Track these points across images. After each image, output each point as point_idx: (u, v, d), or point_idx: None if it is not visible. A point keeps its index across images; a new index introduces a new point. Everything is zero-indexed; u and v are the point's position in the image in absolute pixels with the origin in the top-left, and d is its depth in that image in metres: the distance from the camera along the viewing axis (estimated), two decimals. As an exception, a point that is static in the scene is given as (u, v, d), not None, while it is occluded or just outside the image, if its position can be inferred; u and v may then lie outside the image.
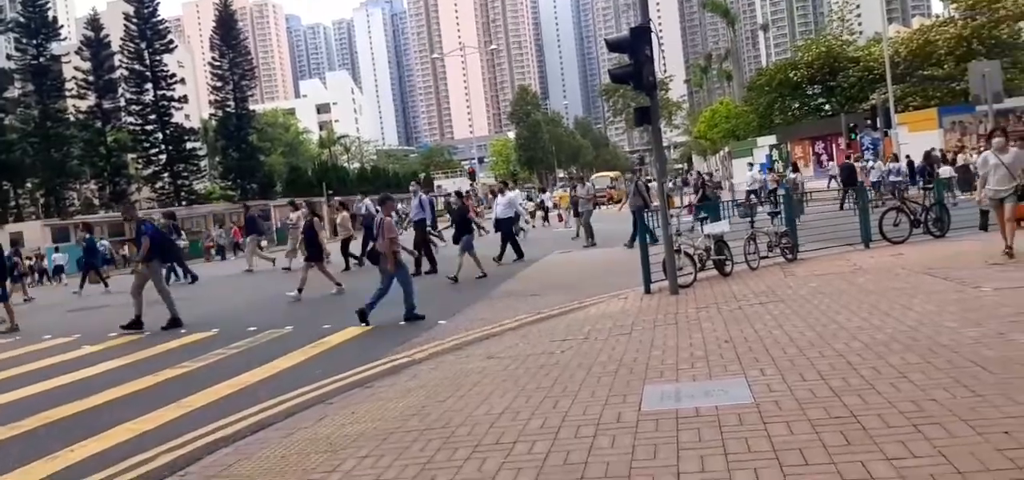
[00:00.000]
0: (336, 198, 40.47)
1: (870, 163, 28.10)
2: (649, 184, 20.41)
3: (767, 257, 12.23)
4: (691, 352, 6.58)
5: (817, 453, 3.87)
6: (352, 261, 19.33)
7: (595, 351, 7.03)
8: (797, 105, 53.36)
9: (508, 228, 18.43)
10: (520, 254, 17.90)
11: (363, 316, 10.45)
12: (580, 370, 6.33)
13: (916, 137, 33.85)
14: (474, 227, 18.94)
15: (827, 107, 50.82)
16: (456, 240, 16.10)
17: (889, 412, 4.36)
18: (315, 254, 15.27)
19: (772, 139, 49.77)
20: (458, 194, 27.71)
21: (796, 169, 30.70)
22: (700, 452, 4.08)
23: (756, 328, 7.24)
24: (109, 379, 8.39)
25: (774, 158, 46.84)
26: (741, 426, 4.44)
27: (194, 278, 20.47)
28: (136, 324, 11.95)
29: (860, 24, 59.85)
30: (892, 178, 23.88)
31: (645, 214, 17.51)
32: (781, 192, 21.35)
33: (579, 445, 4.44)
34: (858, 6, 62.18)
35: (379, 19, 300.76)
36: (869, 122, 34.42)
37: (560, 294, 11.63)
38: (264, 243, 27.67)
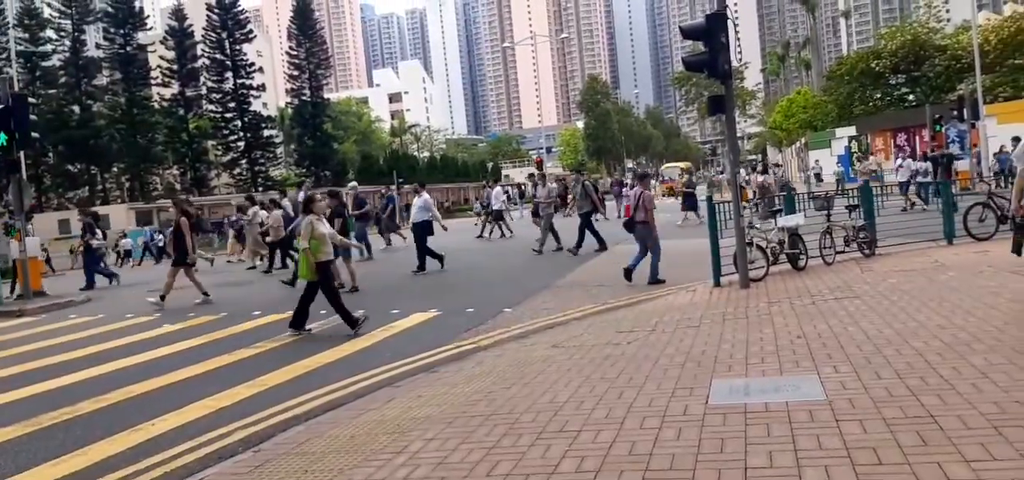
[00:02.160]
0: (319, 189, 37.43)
1: (899, 162, 26.60)
2: (598, 185, 19.93)
3: (843, 252, 11.87)
4: (761, 347, 6.44)
5: (891, 453, 3.75)
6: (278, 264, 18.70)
7: (662, 343, 6.96)
8: (879, 95, 51.58)
9: (423, 233, 16.34)
10: (422, 267, 15.90)
11: (627, 274, 11.65)
12: (646, 362, 6.27)
13: (1006, 128, 32.29)
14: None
15: (911, 97, 48.98)
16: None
17: (969, 413, 4.18)
18: (181, 257, 14.08)
19: (851, 130, 48.22)
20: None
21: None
22: (768, 448, 4.00)
23: (830, 324, 7.05)
24: (188, 357, 8.74)
25: (853, 150, 45.37)
26: (812, 423, 4.33)
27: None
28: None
29: (948, 11, 57.32)
30: (919, 178, 22.41)
31: (594, 219, 17.24)
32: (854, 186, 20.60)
33: (644, 436, 4.41)
34: (946, -9, 59.62)
35: (451, 8, 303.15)
36: (955, 113, 32.98)
37: (626, 285, 11.54)
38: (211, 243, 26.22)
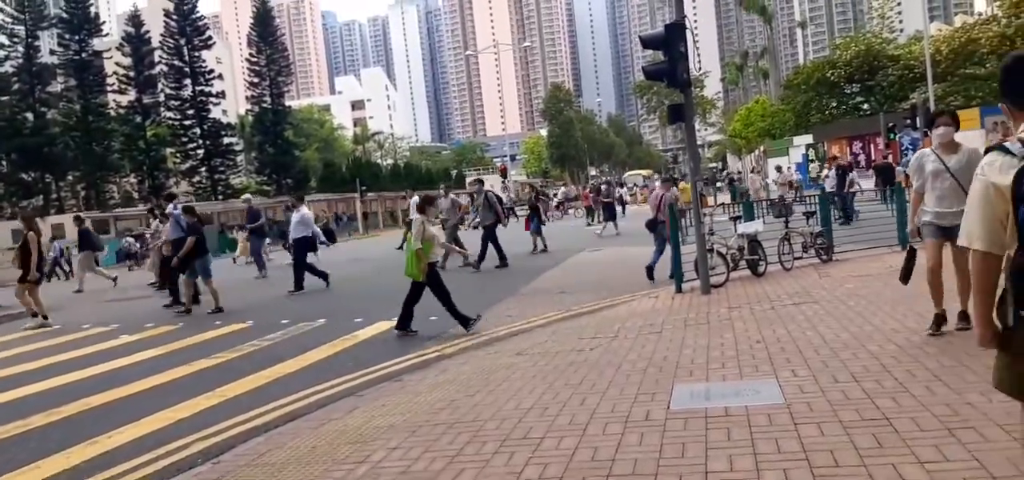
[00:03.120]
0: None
1: (827, 172, 26.65)
2: (500, 197, 19.38)
3: (801, 258, 12.09)
4: (722, 352, 6.53)
5: (848, 455, 3.83)
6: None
7: (624, 349, 7.01)
8: (835, 104, 52.62)
9: (302, 250, 15.57)
10: (300, 286, 15.14)
11: (650, 272, 11.88)
12: (609, 368, 6.32)
13: (957, 137, 33.13)
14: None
15: (866, 106, 50.05)
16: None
17: (922, 415, 4.29)
18: (25, 275, 13.52)
19: (809, 138, 49.13)
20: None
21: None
22: (729, 452, 4.05)
23: (789, 329, 7.17)
24: (147, 368, 8.57)
25: (811, 158, 46.21)
26: (771, 426, 4.40)
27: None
28: None
29: (901, 22, 58.87)
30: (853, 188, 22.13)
31: (498, 230, 16.86)
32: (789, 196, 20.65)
33: (607, 442, 4.44)
34: (899, 3, 61.15)
35: (414, 16, 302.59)
36: (908, 122, 33.79)
37: (590, 292, 11.61)
38: (99, 258, 24.53)
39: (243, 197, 23.75)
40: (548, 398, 5.56)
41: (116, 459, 5.31)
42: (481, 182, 20.63)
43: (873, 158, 37.40)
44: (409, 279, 9.35)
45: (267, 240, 21.24)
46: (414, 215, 9.78)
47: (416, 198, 17.40)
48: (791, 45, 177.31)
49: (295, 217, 16.16)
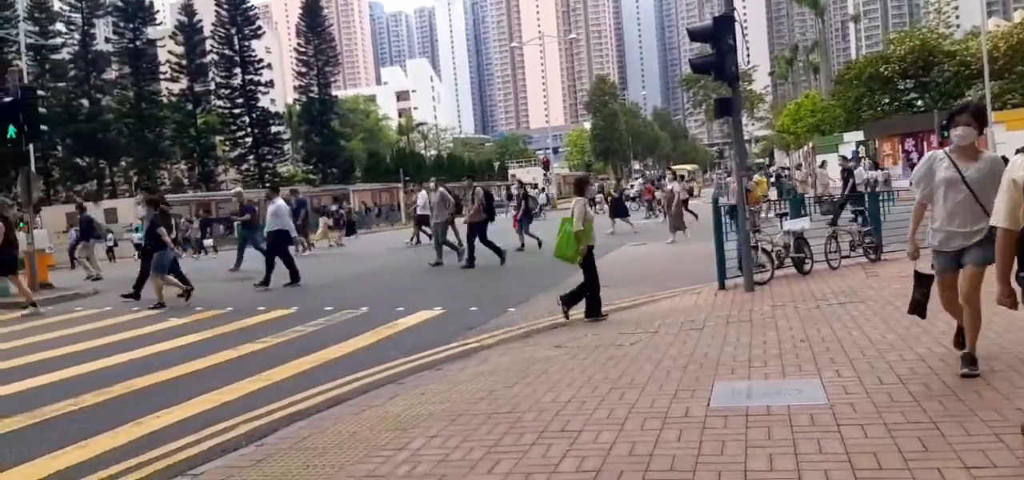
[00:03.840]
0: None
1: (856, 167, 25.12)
2: (491, 193, 18.42)
3: (849, 257, 11.85)
4: (764, 350, 6.45)
5: (892, 458, 3.75)
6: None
7: (665, 345, 6.97)
8: (887, 100, 51.38)
9: (277, 244, 14.98)
10: (266, 281, 14.52)
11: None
12: (649, 363, 6.28)
13: (1013, 135, 32.12)
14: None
15: (920, 103, 48.78)
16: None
17: (970, 420, 4.18)
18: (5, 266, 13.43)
19: (859, 135, 48.08)
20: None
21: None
22: (769, 451, 4.00)
23: (834, 328, 7.04)
24: (193, 351, 8.77)
25: (860, 154, 45.25)
26: (813, 427, 4.34)
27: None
28: None
29: (957, 17, 57.23)
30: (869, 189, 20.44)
31: (488, 229, 16.42)
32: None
33: (645, 437, 4.42)
34: (956, -3, 59.39)
35: (460, 7, 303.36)
36: (964, 119, 32.84)
37: (631, 287, 11.54)
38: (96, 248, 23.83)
39: (234, 190, 23.48)
40: (586, 392, 5.55)
41: (162, 439, 5.44)
42: (471, 178, 20.34)
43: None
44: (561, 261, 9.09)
45: (259, 233, 21.20)
46: (574, 198, 9.51)
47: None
48: (843, 39, 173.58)
49: (270, 209, 15.50)
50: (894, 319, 7.23)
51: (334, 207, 31.95)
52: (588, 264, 8.94)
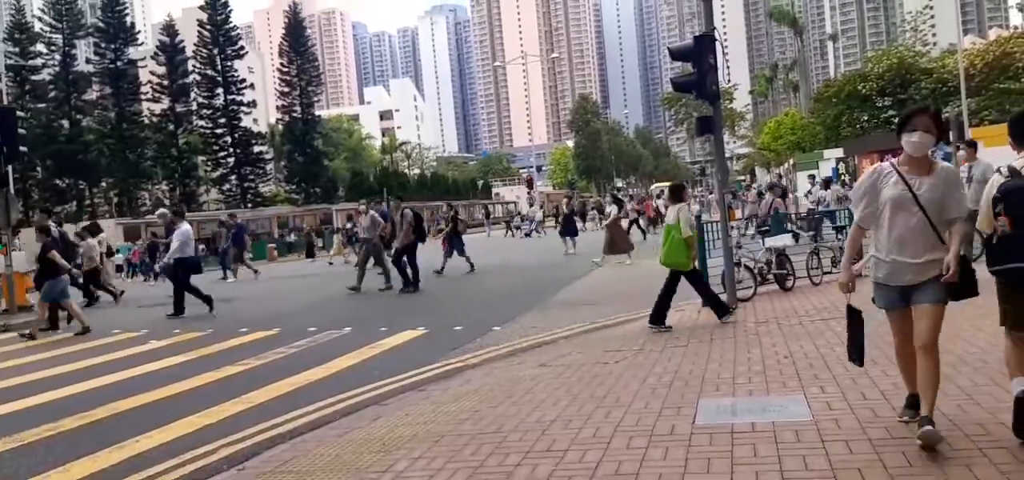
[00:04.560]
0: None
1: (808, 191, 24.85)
2: (421, 215, 17.62)
3: (831, 272, 11.91)
4: (748, 367, 6.46)
5: (877, 473, 3.76)
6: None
7: (650, 363, 6.97)
8: (866, 118, 52.01)
9: (183, 272, 14.48)
10: (180, 310, 14.16)
11: None
12: (634, 381, 6.28)
13: (990, 152, 32.53)
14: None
15: (898, 120, 49.45)
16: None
17: (954, 434, 4.20)
18: None
19: (839, 152, 48.60)
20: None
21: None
22: (755, 467, 4.00)
23: (817, 344, 7.08)
24: (175, 373, 8.67)
25: (840, 171, 45.69)
26: (798, 443, 4.34)
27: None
28: None
29: (934, 35, 58.06)
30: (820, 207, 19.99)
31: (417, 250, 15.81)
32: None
33: (631, 456, 4.41)
34: (932, 16, 60.36)
35: (443, 28, 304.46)
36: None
37: (615, 305, 11.56)
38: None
39: (159, 211, 22.98)
40: (572, 411, 5.53)
41: (144, 463, 5.36)
42: (401, 198, 19.49)
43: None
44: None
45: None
46: (669, 206, 9.40)
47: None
48: (822, 58, 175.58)
49: (176, 234, 14.73)
50: (877, 335, 7.22)
51: (349, 225, 33.27)
52: (694, 270, 9.19)
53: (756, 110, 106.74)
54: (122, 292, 19.44)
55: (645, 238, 26.52)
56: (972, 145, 11.11)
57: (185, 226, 14.92)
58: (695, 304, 10.41)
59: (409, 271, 15.86)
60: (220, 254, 25.13)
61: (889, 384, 5.40)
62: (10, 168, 18.21)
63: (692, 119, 71.46)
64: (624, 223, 28.82)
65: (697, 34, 10.52)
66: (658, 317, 8.89)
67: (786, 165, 55.79)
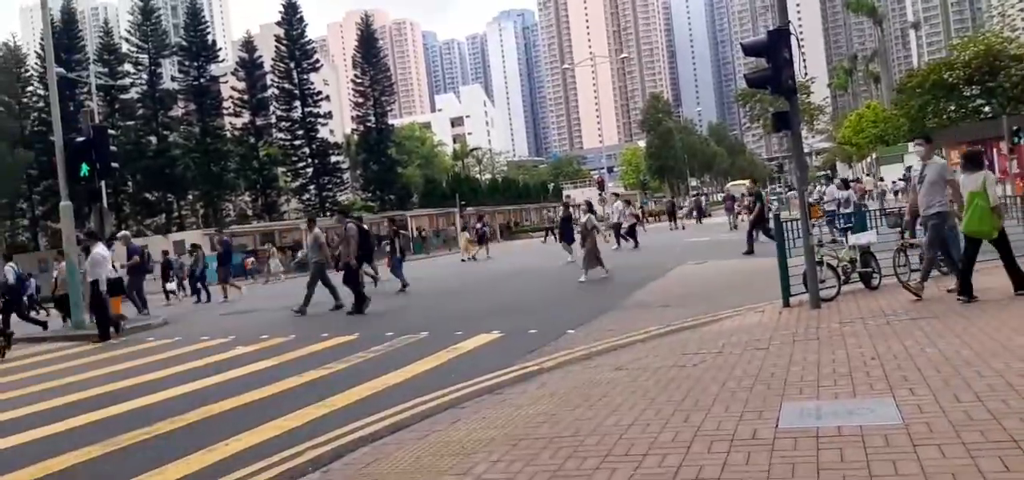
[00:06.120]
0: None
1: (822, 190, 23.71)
2: (366, 230, 16.51)
3: (920, 270, 11.45)
4: (834, 369, 6.27)
5: (971, 479, 3.60)
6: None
7: (729, 365, 6.84)
8: (953, 107, 49.84)
9: (102, 292, 14.55)
10: (105, 335, 14.39)
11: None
12: (713, 384, 6.17)
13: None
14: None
15: (987, 109, 47.19)
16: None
17: (1059, 440, 3.99)
18: None
19: (925, 144, 46.72)
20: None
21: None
22: (842, 472, 3.88)
23: (906, 345, 6.82)
24: (261, 378, 8.97)
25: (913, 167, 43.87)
26: (888, 448, 4.19)
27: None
28: None
29: (1023, 20, 55.19)
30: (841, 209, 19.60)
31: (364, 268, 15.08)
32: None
33: (712, 460, 4.34)
34: (1020, 1, 57.42)
35: (511, 33, 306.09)
36: (1036, 124, 31.57)
37: (692, 306, 11.39)
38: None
39: (120, 233, 22.71)
40: (650, 414, 5.48)
41: (233, 465, 5.57)
42: (345, 213, 18.58)
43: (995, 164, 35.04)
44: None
45: (147, 277, 20.18)
46: (962, 176, 9.17)
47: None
48: (903, 47, 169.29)
49: (95, 253, 14.73)
50: (969, 334, 6.97)
51: (478, 225, 35.80)
52: (1002, 237, 8.92)
53: (835, 103, 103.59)
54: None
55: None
56: (928, 140, 10.30)
57: (99, 248, 14.93)
58: (775, 303, 10.18)
59: (355, 288, 15.09)
60: (195, 277, 24.17)
61: (983, 386, 5.16)
62: (103, 183, 19.13)
63: (768, 115, 69.90)
64: (626, 224, 28.54)
65: (771, 28, 10.28)
66: (965, 288, 8.78)
67: (868, 159, 53.96)
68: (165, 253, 24.81)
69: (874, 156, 56.50)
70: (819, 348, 7.17)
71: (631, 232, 28.48)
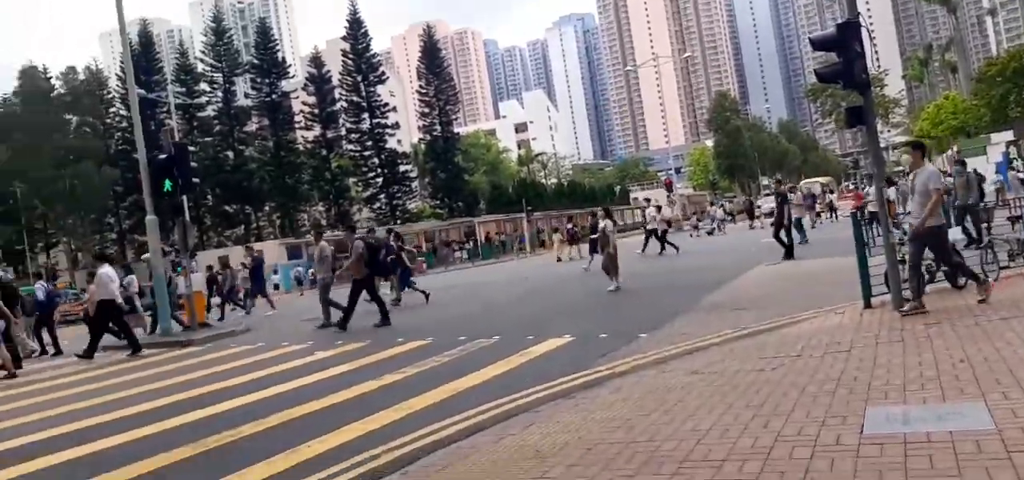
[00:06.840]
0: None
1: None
2: (374, 245, 15.67)
3: (1008, 267, 10.98)
4: (920, 372, 6.06)
5: (1077, 487, 3.44)
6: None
7: (809, 369, 6.68)
8: (1038, 95, 47.59)
9: (104, 316, 14.79)
10: (91, 353, 14.43)
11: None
12: (793, 389, 6.04)
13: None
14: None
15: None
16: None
17: None
18: None
19: (1009, 134, 44.61)
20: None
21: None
22: (932, 479, 3.76)
23: (997, 346, 6.53)
24: (339, 382, 9.19)
25: (1012, 156, 41.89)
26: (980, 454, 4.03)
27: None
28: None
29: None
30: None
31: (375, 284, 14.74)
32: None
33: (794, 467, 4.25)
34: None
35: (572, 37, 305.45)
36: None
37: (768, 308, 11.14)
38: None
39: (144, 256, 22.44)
40: (727, 419, 5.39)
41: (314, 467, 5.72)
42: (352, 230, 18.49)
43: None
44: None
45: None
46: None
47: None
48: (980, 34, 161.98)
49: (98, 277, 14.85)
50: (1066, 334, 6.64)
51: (569, 225, 36.63)
52: None
53: (911, 95, 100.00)
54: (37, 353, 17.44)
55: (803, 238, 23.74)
56: (917, 148, 9.73)
57: (106, 268, 15.20)
58: (856, 304, 9.89)
59: (377, 304, 14.99)
60: (226, 293, 23.86)
61: (1085, 388, 4.92)
62: (185, 198, 19.89)
63: (840, 109, 67.91)
64: (660, 230, 28.00)
65: (840, 21, 9.99)
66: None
67: (950, 152, 51.87)
68: (210, 268, 24.90)
69: (955, 149, 54.32)
70: (904, 350, 6.93)
71: (663, 238, 27.88)
